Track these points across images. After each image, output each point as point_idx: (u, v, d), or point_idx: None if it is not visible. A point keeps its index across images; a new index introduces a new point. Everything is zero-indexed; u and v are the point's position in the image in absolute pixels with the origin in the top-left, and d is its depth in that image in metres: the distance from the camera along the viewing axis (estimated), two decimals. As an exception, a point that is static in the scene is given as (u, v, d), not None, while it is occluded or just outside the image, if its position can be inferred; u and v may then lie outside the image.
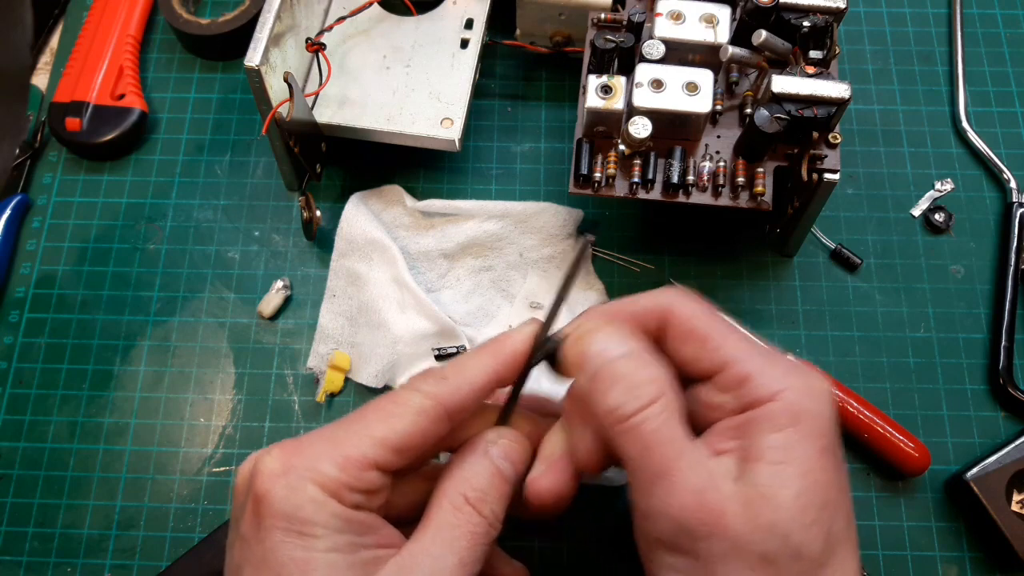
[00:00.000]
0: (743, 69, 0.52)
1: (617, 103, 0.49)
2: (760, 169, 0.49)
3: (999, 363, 0.54)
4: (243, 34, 0.57)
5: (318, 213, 0.56)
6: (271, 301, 0.56)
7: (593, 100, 0.49)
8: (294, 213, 0.59)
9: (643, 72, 0.48)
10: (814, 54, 0.49)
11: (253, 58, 0.47)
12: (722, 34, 0.49)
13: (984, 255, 0.57)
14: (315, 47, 0.54)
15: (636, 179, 0.49)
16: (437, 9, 0.59)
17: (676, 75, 0.48)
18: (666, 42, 0.49)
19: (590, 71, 0.50)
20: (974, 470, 0.50)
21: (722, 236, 0.58)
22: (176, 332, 0.56)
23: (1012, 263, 0.56)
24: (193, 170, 0.61)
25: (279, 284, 0.56)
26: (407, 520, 0.37)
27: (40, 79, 0.65)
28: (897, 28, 0.65)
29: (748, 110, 0.50)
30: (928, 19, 0.65)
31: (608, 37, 0.49)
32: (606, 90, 0.49)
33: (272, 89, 0.49)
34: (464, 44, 0.57)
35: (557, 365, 0.38)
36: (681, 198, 0.49)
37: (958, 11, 0.64)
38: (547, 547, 0.50)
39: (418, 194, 0.58)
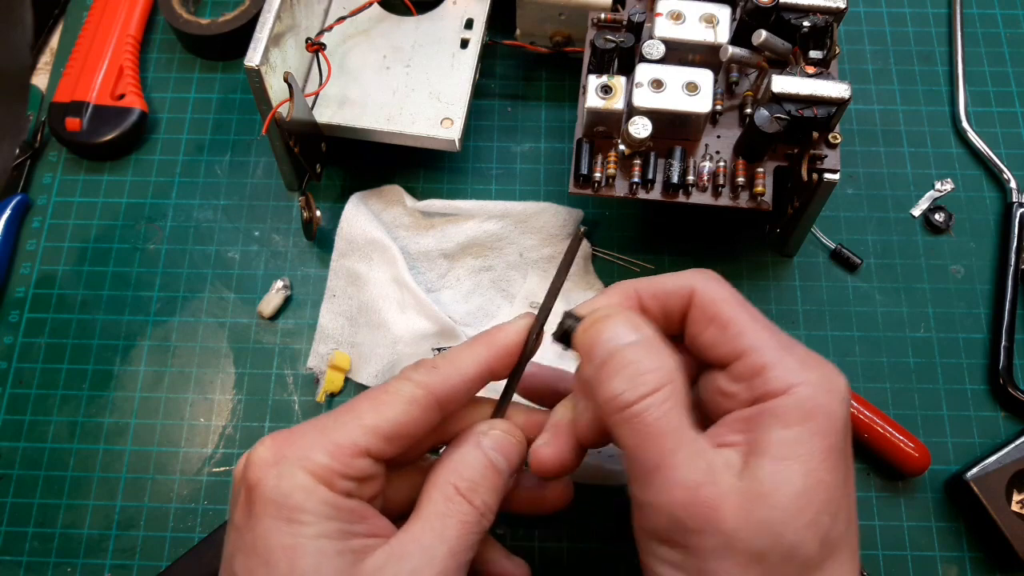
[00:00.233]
0: (743, 69, 0.52)
1: (617, 103, 0.49)
2: (760, 169, 0.49)
3: (999, 363, 0.54)
4: (243, 34, 0.57)
5: (318, 213, 0.56)
6: (271, 301, 0.56)
7: (593, 100, 0.49)
8: (294, 213, 0.59)
9: (643, 72, 0.48)
10: (814, 54, 0.49)
11: (253, 58, 0.47)
12: (722, 34, 0.49)
13: (984, 255, 0.57)
14: (315, 47, 0.54)
15: (636, 179, 0.49)
16: (437, 9, 0.59)
17: (676, 75, 0.48)
18: (666, 42, 0.49)
19: (590, 71, 0.50)
20: (974, 470, 0.50)
21: (722, 236, 0.58)
22: (176, 332, 0.56)
23: (1012, 263, 0.56)
24: (193, 170, 0.61)
25: (279, 284, 0.56)
26: (404, 515, 0.37)
27: (40, 79, 0.65)
28: (897, 28, 0.65)
29: (748, 110, 0.50)
30: (928, 19, 0.65)
31: (608, 37, 0.49)
32: (606, 90, 0.49)
33: (272, 89, 0.49)
34: (464, 44, 0.57)
35: (572, 344, 0.38)
36: (681, 198, 0.49)
37: (958, 11, 0.64)
38: (548, 545, 0.50)
39: (418, 194, 0.58)
